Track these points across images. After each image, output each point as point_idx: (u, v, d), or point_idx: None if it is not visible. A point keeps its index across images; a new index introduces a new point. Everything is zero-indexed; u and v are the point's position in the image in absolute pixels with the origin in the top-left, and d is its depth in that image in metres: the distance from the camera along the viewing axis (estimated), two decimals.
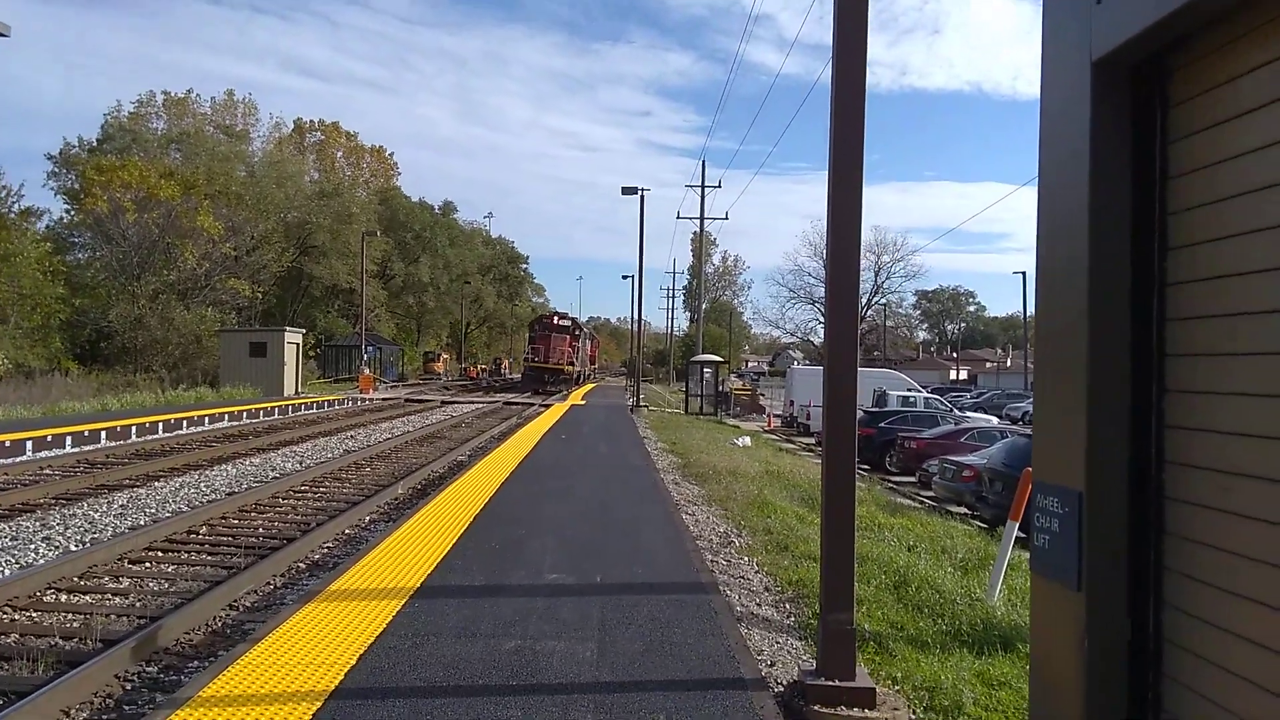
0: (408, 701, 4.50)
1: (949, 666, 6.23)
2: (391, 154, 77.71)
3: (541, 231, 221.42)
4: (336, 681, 4.74)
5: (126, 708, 5.15)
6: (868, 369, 55.14)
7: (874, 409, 29.77)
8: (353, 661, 5.04)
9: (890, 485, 21.85)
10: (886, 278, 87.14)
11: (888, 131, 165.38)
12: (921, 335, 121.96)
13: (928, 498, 18.63)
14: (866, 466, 25.69)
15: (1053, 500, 1.77)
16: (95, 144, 49.88)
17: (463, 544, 8.22)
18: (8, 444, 15.59)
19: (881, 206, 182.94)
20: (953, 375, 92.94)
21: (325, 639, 5.42)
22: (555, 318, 54.93)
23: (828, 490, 5.09)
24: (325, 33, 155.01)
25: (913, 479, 21.96)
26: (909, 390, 34.25)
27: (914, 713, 5.50)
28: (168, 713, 4.29)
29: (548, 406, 33.99)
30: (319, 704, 4.42)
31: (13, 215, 36.53)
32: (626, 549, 8.40)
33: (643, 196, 35.37)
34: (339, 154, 71.53)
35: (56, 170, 48.94)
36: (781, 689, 5.26)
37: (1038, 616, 1.87)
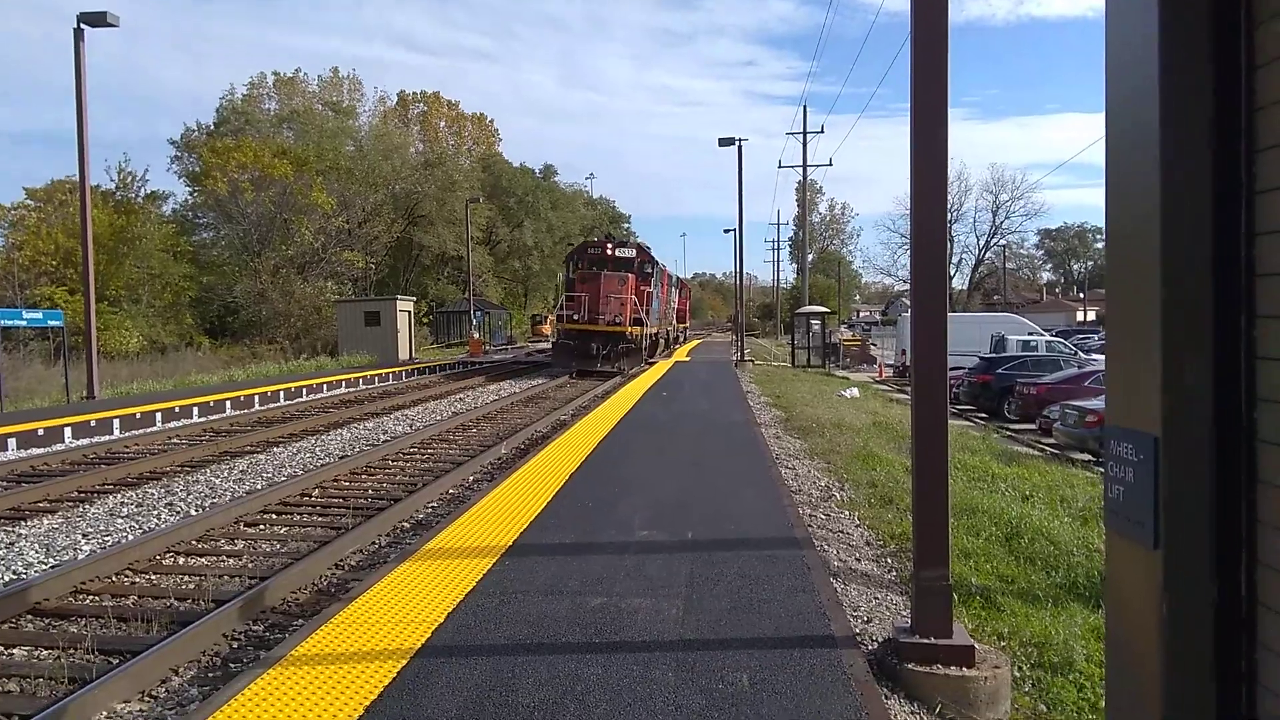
0: (490, 659, 4.51)
1: (1061, 622, 5.90)
2: (492, 121, 78.57)
3: (645, 190, 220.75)
4: (424, 639, 4.79)
5: (232, 665, 5.37)
6: (984, 314, 53.16)
7: (991, 354, 28.62)
8: (440, 619, 5.10)
9: (1009, 433, 21.00)
10: (1005, 217, 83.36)
11: (1005, 64, 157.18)
12: (1046, 276, 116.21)
13: (1048, 445, 17.82)
14: (984, 415, 24.78)
15: (1126, 447, 1.53)
16: (212, 127, 52.12)
17: (557, 502, 8.25)
18: (139, 416, 16.57)
19: (999, 143, 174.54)
20: (1080, 317, 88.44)
21: (417, 597, 5.50)
22: (609, 246, 32.14)
23: (918, 438, 4.81)
24: (432, 6, 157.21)
25: (1032, 426, 21.05)
26: (1029, 334, 32.73)
27: (1019, 670, 5.23)
28: (262, 670, 4.42)
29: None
30: (404, 662, 4.48)
31: (139, 200, 38.61)
32: (720, 505, 8.27)
33: (740, 147, 34.63)
34: (441, 124, 72.75)
35: (179, 154, 51.40)
36: (875, 647, 5.06)
37: (1113, 578, 1.63)
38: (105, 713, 4.66)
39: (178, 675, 5.18)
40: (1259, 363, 1.36)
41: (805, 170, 48.96)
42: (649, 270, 32.15)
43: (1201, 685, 1.40)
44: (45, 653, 5.51)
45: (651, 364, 32.34)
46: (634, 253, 31.97)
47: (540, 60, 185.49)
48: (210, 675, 5.22)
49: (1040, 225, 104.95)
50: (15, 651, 5.55)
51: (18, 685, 5.09)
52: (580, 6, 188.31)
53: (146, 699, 4.91)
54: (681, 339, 57.50)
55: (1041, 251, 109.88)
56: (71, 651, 5.47)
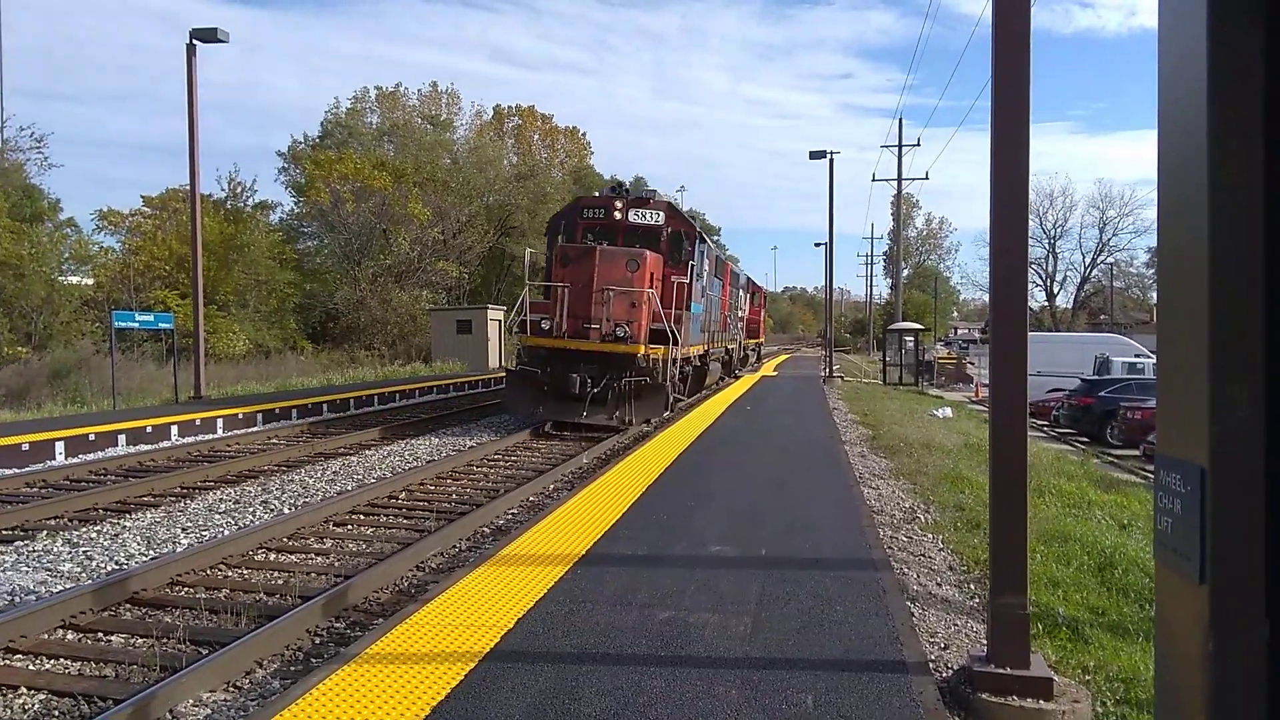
0: (555, 667, 4.56)
1: (1152, 658, 5.62)
2: (584, 134, 79.56)
3: (737, 203, 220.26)
4: (493, 644, 4.88)
5: (312, 660, 5.56)
6: (1086, 334, 51.18)
7: (1093, 377, 27.53)
8: (510, 625, 5.17)
9: (1110, 459, 20.15)
10: (1113, 234, 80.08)
11: (1115, 78, 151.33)
12: (1156, 296, 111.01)
13: (1151, 473, 17.00)
14: (1084, 439, 23.83)
15: (1174, 477, 1.46)
16: (316, 139, 54.21)
17: (632, 513, 8.29)
18: (241, 416, 17.32)
19: (1107, 158, 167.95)
20: None
21: (490, 601, 5.59)
22: (616, 204, 18.59)
23: (996, 460, 4.67)
24: (529, 21, 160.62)
25: (1136, 452, 20.16)
26: (1135, 356, 31.38)
27: (1103, 705, 5.01)
28: (339, 666, 4.57)
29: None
30: (472, 665, 4.56)
31: (248, 209, 40.45)
32: (796, 522, 8.17)
33: (831, 160, 34.20)
34: (535, 137, 74.06)
35: (286, 165, 53.65)
36: (949, 675, 4.92)
37: (1162, 613, 1.56)
38: (192, 700, 4.88)
39: (262, 667, 5.40)
40: None
41: (900, 183, 48.12)
42: (687, 248, 18.52)
43: None
44: (140, 640, 5.80)
45: (691, 406, 20.02)
46: (660, 218, 18.31)
47: (635, 72, 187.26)
48: (292, 669, 5.41)
49: (1151, 243, 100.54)
50: (113, 638, 5.87)
51: (113, 670, 5.38)
52: (676, 19, 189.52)
53: (231, 689, 5.12)
54: (752, 360, 43.24)
55: (1152, 270, 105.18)
56: (164, 640, 5.75)
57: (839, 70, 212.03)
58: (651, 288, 16.58)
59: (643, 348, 16.18)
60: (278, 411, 18.27)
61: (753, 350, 44.19)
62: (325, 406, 19.98)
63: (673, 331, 16.88)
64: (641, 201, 18.62)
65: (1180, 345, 1.47)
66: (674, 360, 17.34)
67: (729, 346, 29.42)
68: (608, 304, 16.10)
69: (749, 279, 41.83)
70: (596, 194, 21.11)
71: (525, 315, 16.61)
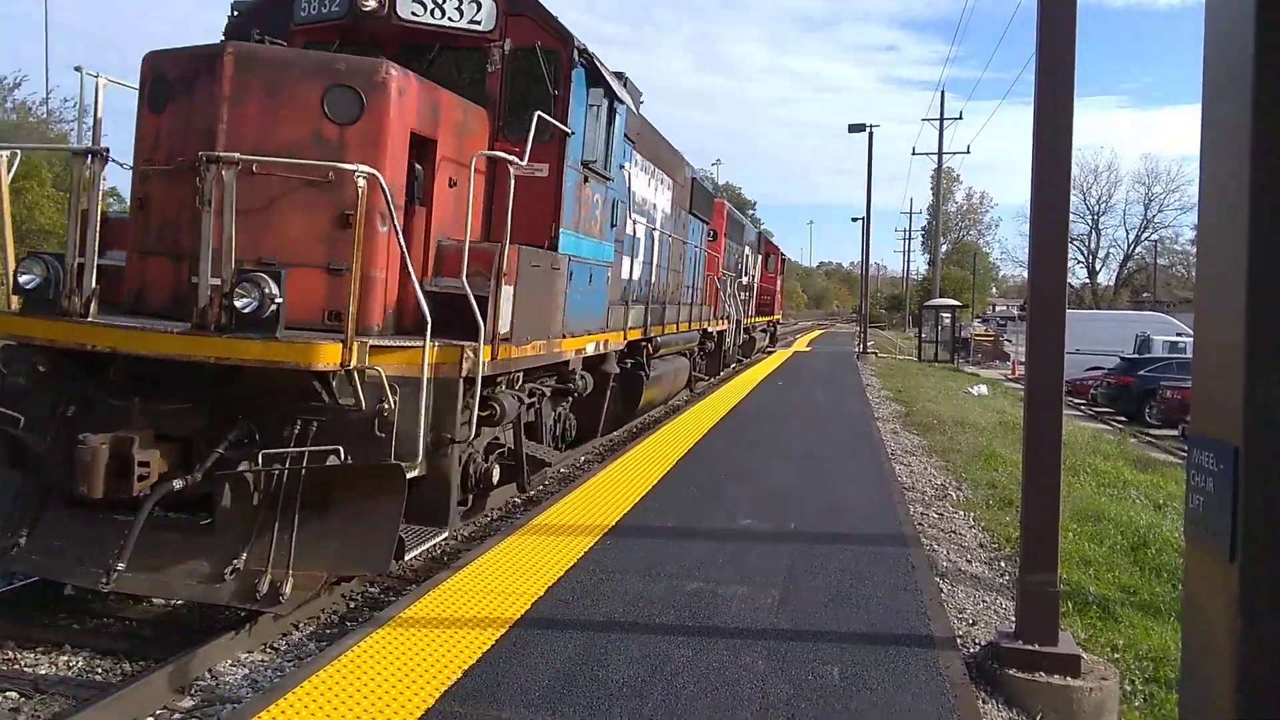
0: (584, 634, 4.62)
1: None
2: None
3: (774, 176, 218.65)
4: (522, 610, 4.95)
5: (348, 623, 5.69)
6: (1128, 312, 50.33)
7: (1133, 355, 27.10)
8: (540, 592, 5.24)
9: (1148, 439, 19.94)
10: (1158, 211, 78.31)
11: (1165, 50, 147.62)
12: (1195, 275, 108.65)
13: None
14: (1122, 418, 23.52)
15: (1207, 456, 1.46)
16: None
17: (662, 486, 8.32)
18: None
19: (1156, 133, 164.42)
20: None
21: (520, 570, 5.66)
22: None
23: (1029, 437, 4.64)
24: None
25: (1174, 432, 19.90)
26: (1177, 335, 30.82)
27: (1132, 683, 5.00)
28: (372, 629, 4.66)
29: None
30: (502, 630, 4.64)
31: None
32: (827, 498, 8.17)
33: (871, 134, 33.78)
34: None
35: None
36: (976, 650, 4.93)
37: (1190, 590, 1.56)
38: (231, 660, 5.02)
39: (298, 630, 5.53)
40: None
41: (940, 157, 47.36)
42: (558, 95, 7.64)
43: (1275, 708, 1.33)
44: (181, 604, 5.95)
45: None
46: (484, 12, 7.44)
47: (676, 45, 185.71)
48: (327, 631, 5.55)
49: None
50: (156, 601, 6.02)
51: (154, 631, 5.53)
52: None
53: (269, 650, 5.27)
54: (762, 345, 31.58)
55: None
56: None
57: (884, 42, 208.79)
58: (417, 177, 6.63)
59: (353, 350, 5.32)
60: None
61: (763, 331, 32.31)
62: None
63: (494, 304, 6.37)
64: None
65: (1217, 326, 1.46)
66: (497, 386, 6.88)
67: (714, 328, 18.57)
68: (266, 222, 5.77)
69: (760, 235, 32.87)
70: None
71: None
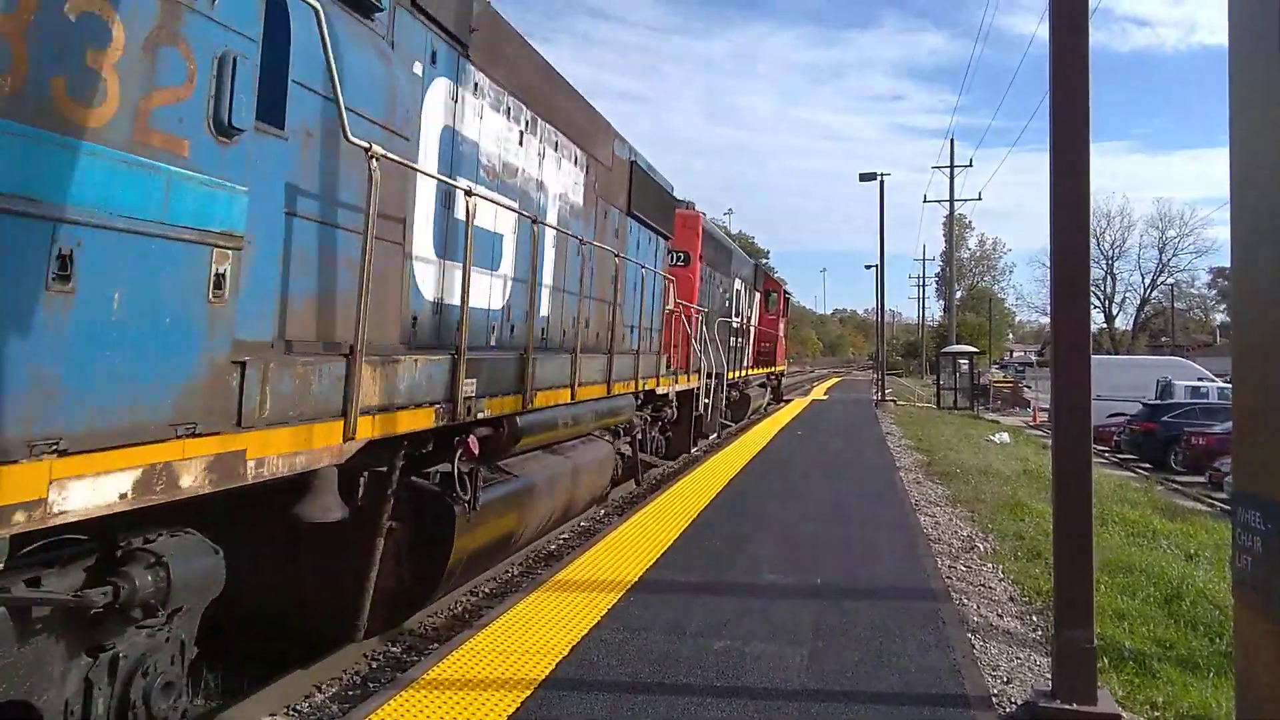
0: (611, 695, 4.55)
1: (1224, 693, 5.44)
2: None
3: (785, 225, 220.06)
4: (548, 671, 4.88)
5: (370, 684, 5.62)
6: (1149, 357, 49.93)
7: (1155, 401, 26.83)
8: (565, 652, 5.18)
9: (1174, 486, 19.62)
10: (1173, 255, 78.17)
11: (1176, 95, 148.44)
12: (1219, 318, 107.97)
13: (1218, 500, 16.51)
14: (1147, 465, 23.22)
15: (1254, 515, 1.44)
16: None
17: (684, 539, 8.25)
18: None
19: (1168, 178, 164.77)
20: None
21: (543, 628, 5.60)
22: None
23: (1060, 489, 4.58)
24: (581, 50, 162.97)
25: (1201, 479, 19.58)
26: (1199, 380, 30.51)
27: None
28: (396, 692, 4.61)
29: None
30: (528, 692, 4.57)
31: None
32: (853, 551, 8.07)
33: (882, 182, 34.03)
34: None
35: None
36: (1012, 710, 4.81)
37: (1241, 651, 1.53)
38: None
39: (320, 691, 5.47)
40: None
41: (952, 204, 47.58)
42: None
43: None
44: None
45: None
46: None
47: (686, 97, 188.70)
48: (350, 693, 5.48)
49: (1212, 264, 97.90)
50: None
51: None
52: (727, 46, 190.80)
53: (291, 713, 5.20)
54: (761, 404, 26.76)
55: (1214, 291, 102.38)
56: (228, 662, 5.85)
57: (890, 92, 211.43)
58: None
59: None
60: None
61: (762, 385, 27.07)
62: None
63: None
64: None
65: (1260, 382, 1.44)
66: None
67: (675, 387, 13.75)
68: None
69: (758, 267, 27.80)
70: None
71: None
